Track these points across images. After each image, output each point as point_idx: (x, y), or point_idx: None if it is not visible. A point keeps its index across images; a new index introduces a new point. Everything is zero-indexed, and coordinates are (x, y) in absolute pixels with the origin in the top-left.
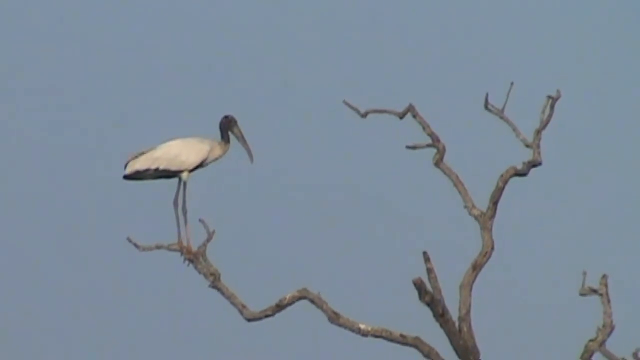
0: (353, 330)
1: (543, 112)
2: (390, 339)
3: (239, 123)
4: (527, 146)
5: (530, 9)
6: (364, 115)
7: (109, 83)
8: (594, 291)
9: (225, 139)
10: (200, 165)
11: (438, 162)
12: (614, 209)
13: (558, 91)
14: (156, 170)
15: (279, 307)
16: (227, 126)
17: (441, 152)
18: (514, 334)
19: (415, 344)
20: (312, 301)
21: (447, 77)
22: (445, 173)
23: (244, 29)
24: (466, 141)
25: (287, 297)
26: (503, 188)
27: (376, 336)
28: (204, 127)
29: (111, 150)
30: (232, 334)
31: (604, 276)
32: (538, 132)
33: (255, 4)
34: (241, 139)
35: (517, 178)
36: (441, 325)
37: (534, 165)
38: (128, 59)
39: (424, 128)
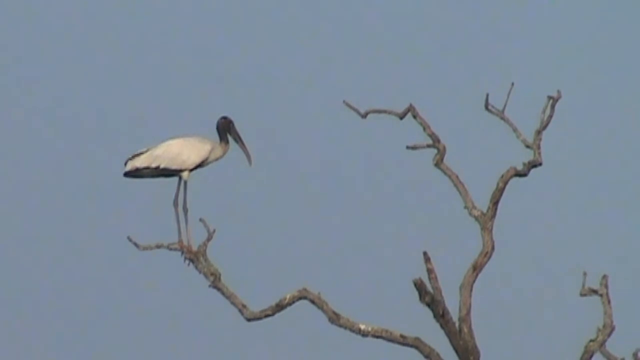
0: (353, 331)
1: (543, 112)
2: (391, 339)
3: (235, 125)
4: (528, 147)
5: (530, 9)
6: (364, 116)
7: (110, 82)
8: (594, 291)
9: (224, 139)
10: (201, 165)
11: (438, 163)
12: (614, 209)
13: (558, 92)
14: (156, 168)
15: (279, 307)
16: (226, 127)
17: (441, 153)
18: (514, 334)
19: (416, 344)
20: (312, 301)
21: (447, 77)
22: (445, 173)
23: (244, 29)
24: (466, 142)
25: (287, 297)
26: (503, 188)
27: (376, 336)
28: (204, 127)
29: (111, 150)
30: (232, 334)
31: (604, 276)
32: (538, 132)
33: (255, 4)
34: (239, 141)
35: (517, 178)
36: (441, 326)
37: (534, 166)
38: (128, 59)
39: (424, 128)
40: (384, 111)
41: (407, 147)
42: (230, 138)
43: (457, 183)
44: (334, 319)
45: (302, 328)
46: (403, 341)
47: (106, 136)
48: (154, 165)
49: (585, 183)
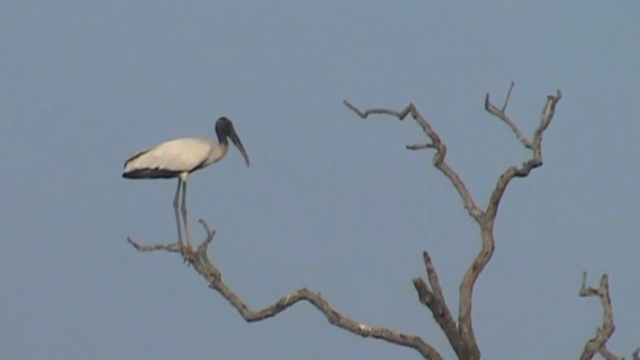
0: (353, 331)
1: (543, 112)
2: (391, 339)
3: (234, 126)
4: (528, 146)
5: (530, 9)
6: (364, 115)
7: (109, 83)
8: (594, 291)
9: (223, 140)
10: (200, 166)
11: (438, 163)
12: (614, 209)
13: (558, 91)
14: (156, 169)
15: (279, 307)
16: (225, 128)
17: (442, 153)
18: (514, 334)
19: (416, 344)
20: (312, 301)
21: (447, 77)
22: (445, 173)
23: (244, 29)
24: (466, 141)
25: (287, 297)
26: (503, 188)
27: (376, 336)
28: (203, 127)
29: (111, 150)
30: (232, 334)
31: (604, 276)
32: (538, 132)
33: (255, 3)
34: (237, 142)
35: (517, 178)
36: (441, 326)
37: (535, 166)
38: (128, 59)
39: (424, 128)
40: (384, 111)
41: (407, 147)
42: (229, 139)
43: (457, 183)
44: (334, 319)
45: (302, 328)
46: (403, 341)
47: (106, 137)
48: (153, 166)
49: (585, 183)
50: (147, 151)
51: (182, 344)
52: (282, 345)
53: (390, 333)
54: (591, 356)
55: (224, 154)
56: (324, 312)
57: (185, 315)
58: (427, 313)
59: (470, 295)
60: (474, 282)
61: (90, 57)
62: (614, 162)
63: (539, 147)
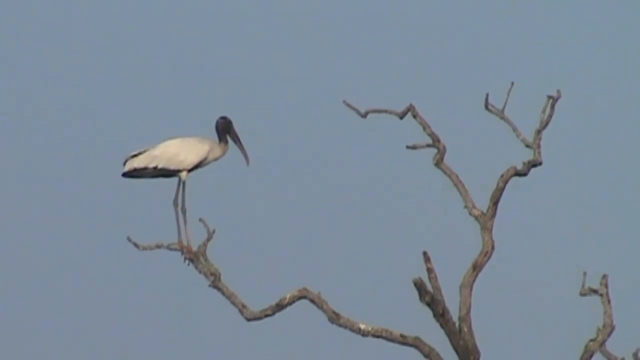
0: (353, 330)
1: (543, 112)
2: (391, 339)
3: (234, 125)
4: (528, 146)
5: (530, 9)
6: (364, 115)
7: (109, 83)
8: (594, 291)
9: (223, 139)
10: (199, 165)
11: (438, 162)
12: (614, 209)
13: (558, 91)
14: (155, 169)
15: (279, 306)
16: (225, 127)
17: (441, 152)
18: (514, 334)
19: (416, 344)
20: (312, 301)
21: (447, 77)
22: (445, 173)
23: (244, 29)
24: (466, 141)
25: (287, 296)
26: (503, 188)
27: (376, 336)
28: (204, 127)
29: (111, 150)
30: (232, 333)
31: (604, 276)
32: (538, 132)
33: (255, 3)
34: (237, 141)
35: (517, 178)
36: (441, 326)
37: (534, 165)
38: (127, 59)
39: (424, 128)
40: (384, 111)
41: (407, 147)
42: (229, 138)
43: (457, 183)
44: (334, 318)
45: (302, 328)
46: (403, 341)
47: (105, 136)
48: (152, 165)
49: (586, 183)
50: (146, 150)
51: (182, 344)
52: (282, 345)
53: (390, 333)
54: (591, 356)
55: (224, 153)
56: (324, 311)
57: (185, 314)
58: (427, 313)
59: (470, 295)
60: (474, 281)
61: (90, 57)
62: (613, 162)
63: (538, 146)
